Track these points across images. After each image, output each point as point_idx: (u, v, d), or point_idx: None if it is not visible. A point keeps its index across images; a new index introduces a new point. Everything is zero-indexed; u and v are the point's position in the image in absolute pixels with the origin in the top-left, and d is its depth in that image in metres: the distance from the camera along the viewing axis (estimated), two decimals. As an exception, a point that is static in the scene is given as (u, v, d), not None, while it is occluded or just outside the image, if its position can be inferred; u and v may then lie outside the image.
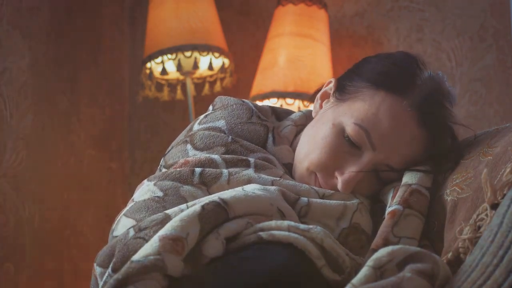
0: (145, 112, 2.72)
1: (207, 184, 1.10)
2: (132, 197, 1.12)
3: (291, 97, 2.24)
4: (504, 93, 2.30)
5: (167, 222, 0.94)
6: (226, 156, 1.14)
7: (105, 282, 0.96)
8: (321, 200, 1.11)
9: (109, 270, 0.94)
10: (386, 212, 1.10)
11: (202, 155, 1.14)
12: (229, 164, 1.13)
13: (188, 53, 2.22)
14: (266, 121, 1.23)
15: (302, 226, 0.95)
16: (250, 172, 1.12)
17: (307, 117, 1.28)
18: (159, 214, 1.00)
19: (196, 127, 1.21)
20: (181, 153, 1.17)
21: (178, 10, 2.24)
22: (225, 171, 1.11)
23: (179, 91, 2.38)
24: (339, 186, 1.13)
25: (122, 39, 2.73)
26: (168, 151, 1.21)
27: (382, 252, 0.90)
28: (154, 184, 1.10)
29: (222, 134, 1.18)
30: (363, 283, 0.85)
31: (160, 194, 1.08)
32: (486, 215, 0.95)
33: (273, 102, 2.25)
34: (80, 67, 2.48)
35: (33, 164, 2.21)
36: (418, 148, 1.15)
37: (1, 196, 2.09)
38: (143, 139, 2.72)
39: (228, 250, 0.94)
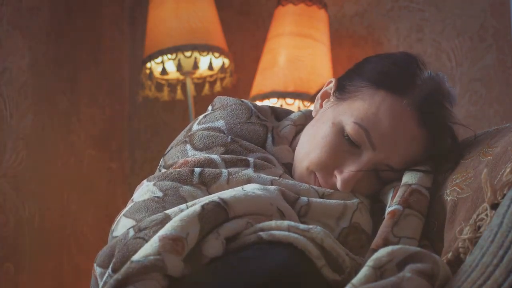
0: (145, 112, 2.72)
1: (206, 184, 1.10)
2: (132, 198, 1.11)
3: (291, 97, 2.24)
4: (504, 93, 2.30)
5: (167, 222, 0.94)
6: (226, 156, 1.14)
7: (105, 282, 0.96)
8: (321, 200, 1.11)
9: (109, 270, 0.94)
10: (386, 212, 1.10)
11: (202, 155, 1.14)
12: (228, 164, 1.13)
13: (188, 53, 2.22)
14: (265, 121, 1.23)
15: (302, 226, 0.95)
16: (249, 171, 1.12)
17: (307, 117, 1.28)
18: (159, 214, 1.00)
19: (195, 127, 1.21)
20: (181, 153, 1.17)
21: (178, 10, 2.24)
22: (224, 171, 1.11)
23: (179, 91, 2.38)
24: (338, 185, 1.13)
25: (122, 39, 2.73)
26: (168, 151, 1.21)
27: (382, 252, 0.90)
28: (154, 184, 1.10)
29: (222, 134, 1.18)
30: (363, 283, 0.85)
31: (159, 194, 1.08)
32: (486, 215, 0.95)
33: (273, 102, 2.25)
34: (80, 67, 2.48)
35: (33, 164, 2.21)
36: (418, 148, 1.15)
37: (1, 196, 2.09)
38: (143, 139, 2.72)
39: (228, 250, 0.94)
